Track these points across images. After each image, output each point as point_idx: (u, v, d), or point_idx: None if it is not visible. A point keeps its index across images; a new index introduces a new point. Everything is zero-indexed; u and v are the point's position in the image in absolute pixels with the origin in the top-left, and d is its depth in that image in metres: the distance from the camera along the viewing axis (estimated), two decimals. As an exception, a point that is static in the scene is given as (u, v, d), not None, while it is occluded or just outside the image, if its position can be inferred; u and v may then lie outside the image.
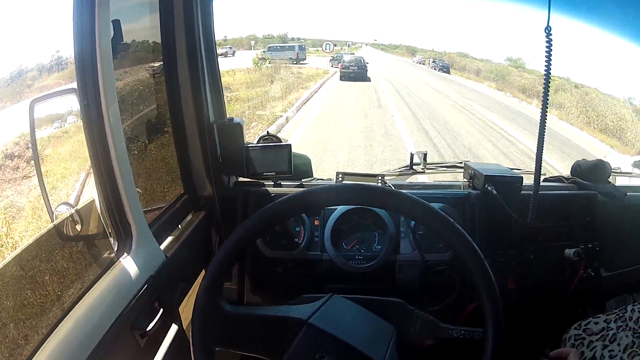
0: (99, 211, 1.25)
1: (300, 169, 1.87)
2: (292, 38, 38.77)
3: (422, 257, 1.72)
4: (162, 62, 1.58)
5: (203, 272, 1.63)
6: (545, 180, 2.08)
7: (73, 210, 1.33)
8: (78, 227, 1.34)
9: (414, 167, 2.08)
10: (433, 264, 1.71)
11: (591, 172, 2.02)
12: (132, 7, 1.52)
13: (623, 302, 1.97)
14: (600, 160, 2.06)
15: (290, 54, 26.77)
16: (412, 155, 2.08)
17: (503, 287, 1.66)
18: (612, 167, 2.11)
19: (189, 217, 1.69)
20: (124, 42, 1.36)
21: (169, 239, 1.51)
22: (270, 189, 1.82)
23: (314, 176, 1.98)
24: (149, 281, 1.22)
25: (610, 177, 2.07)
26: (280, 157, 1.76)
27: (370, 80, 22.23)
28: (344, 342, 0.99)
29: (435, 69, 31.56)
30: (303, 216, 1.72)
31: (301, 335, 1.00)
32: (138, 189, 1.33)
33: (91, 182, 1.27)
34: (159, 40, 1.55)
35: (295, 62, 26.08)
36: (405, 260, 1.71)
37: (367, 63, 23.75)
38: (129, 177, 1.21)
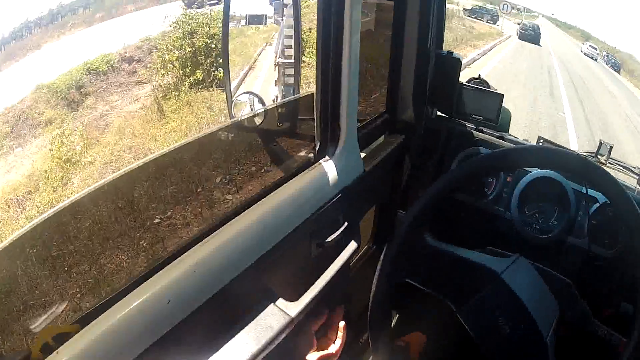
0: (315, 107, 1.23)
1: (501, 121, 1.78)
2: None
3: (588, 246, 1.61)
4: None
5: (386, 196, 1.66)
6: None
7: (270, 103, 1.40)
8: (281, 119, 1.41)
9: (599, 156, 1.92)
10: (594, 257, 1.60)
11: None
12: None
13: None
14: None
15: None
16: (600, 143, 1.93)
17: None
18: None
19: (383, 137, 1.69)
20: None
21: (363, 154, 1.44)
22: (475, 133, 1.78)
23: (509, 133, 1.86)
24: (343, 192, 1.23)
25: None
26: (491, 104, 1.73)
27: (541, 46, 23.26)
28: (525, 306, 0.99)
29: (607, 64, 28.44)
30: None
31: (491, 287, 1.02)
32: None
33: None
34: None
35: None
36: (573, 245, 1.64)
37: (540, 32, 25.19)
38: (355, 82, 1.20)
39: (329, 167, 1.22)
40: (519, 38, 23.76)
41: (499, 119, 1.73)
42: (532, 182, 1.67)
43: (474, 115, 1.75)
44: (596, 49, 33.05)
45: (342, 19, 1.11)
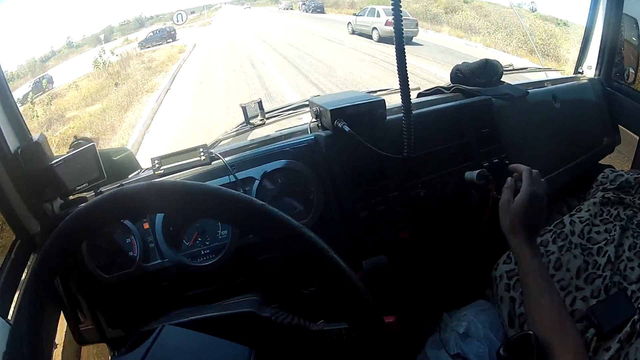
0: None
1: (124, 166, 1.77)
2: (152, 17, 36.63)
3: None
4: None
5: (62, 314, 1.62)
6: (419, 95, 1.99)
7: None
8: None
9: (251, 120, 1.94)
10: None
11: (477, 75, 1.93)
12: None
13: (557, 212, 1.96)
14: (486, 59, 1.97)
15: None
16: (244, 108, 1.93)
17: (394, 241, 1.61)
18: (503, 64, 2.03)
19: (30, 262, 1.62)
20: None
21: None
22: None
23: (142, 167, 1.81)
24: (5, 359, 1.15)
25: (503, 77, 1.99)
26: (88, 163, 1.61)
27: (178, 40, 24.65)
28: None
29: (307, 12, 30.76)
30: (127, 224, 1.57)
31: None
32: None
33: None
34: None
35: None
36: (260, 242, 1.56)
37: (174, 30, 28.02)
38: None
39: None
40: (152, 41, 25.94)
41: (103, 173, 1.60)
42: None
43: (78, 187, 1.61)
44: (289, 2, 35.96)
45: None
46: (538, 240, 1.50)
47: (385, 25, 17.29)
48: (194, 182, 0.84)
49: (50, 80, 17.69)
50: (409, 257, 1.64)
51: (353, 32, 20.22)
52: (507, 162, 1.72)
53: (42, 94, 16.44)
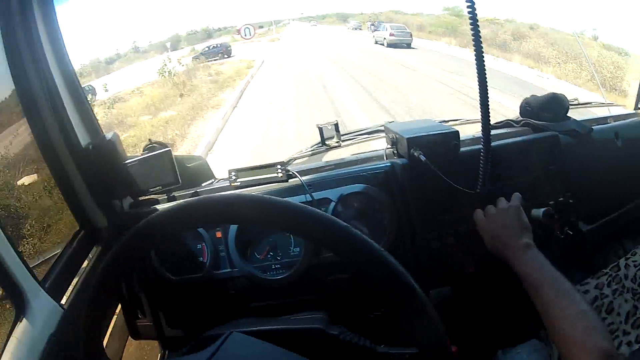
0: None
1: (198, 173, 1.87)
2: (219, 28, 40.63)
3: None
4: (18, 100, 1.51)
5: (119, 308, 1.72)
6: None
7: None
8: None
9: (327, 142, 1.97)
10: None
11: (545, 109, 1.92)
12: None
13: (614, 254, 1.93)
14: (554, 93, 1.96)
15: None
16: (321, 129, 1.96)
17: (461, 273, 1.63)
18: (569, 98, 2.03)
19: (92, 254, 1.68)
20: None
21: (72, 287, 1.53)
22: (162, 206, 1.77)
23: (216, 177, 1.92)
24: (51, 340, 1.26)
25: (569, 112, 1.98)
26: (163, 167, 1.67)
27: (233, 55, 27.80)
28: None
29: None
30: (200, 230, 1.64)
31: None
32: (31, 239, 1.55)
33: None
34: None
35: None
36: (331, 262, 1.59)
37: (230, 47, 30.22)
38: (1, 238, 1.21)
39: (26, 327, 1.21)
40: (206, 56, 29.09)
41: (178, 178, 1.68)
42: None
43: (151, 189, 1.69)
44: (358, 22, 39.11)
45: None
46: (594, 283, 1.51)
47: (390, 35, 25.57)
48: (281, 199, 0.87)
49: (93, 92, 17.73)
50: (473, 291, 1.68)
51: (376, 43, 27.47)
52: (571, 201, 1.71)
53: (95, 97, 16.62)
